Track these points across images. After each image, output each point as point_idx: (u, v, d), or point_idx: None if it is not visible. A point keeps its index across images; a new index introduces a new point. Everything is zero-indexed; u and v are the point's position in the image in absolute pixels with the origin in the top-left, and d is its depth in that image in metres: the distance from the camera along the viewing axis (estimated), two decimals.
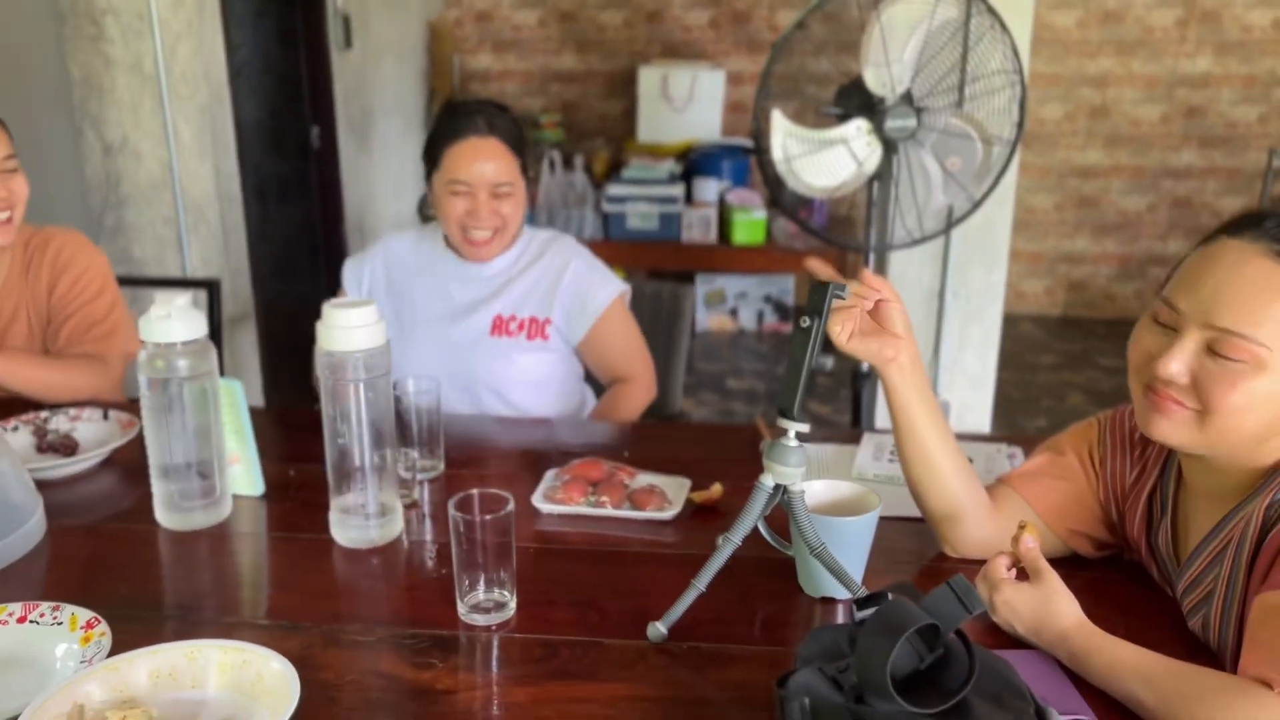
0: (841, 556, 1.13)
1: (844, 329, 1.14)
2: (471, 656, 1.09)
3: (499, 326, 1.88)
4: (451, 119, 1.83)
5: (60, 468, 1.48)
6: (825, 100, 2.38)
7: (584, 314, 1.89)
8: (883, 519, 1.19)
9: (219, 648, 0.97)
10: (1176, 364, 1.01)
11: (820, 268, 1.13)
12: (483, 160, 1.79)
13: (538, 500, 1.39)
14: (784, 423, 1.10)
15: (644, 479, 1.44)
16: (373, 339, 1.26)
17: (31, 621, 1.07)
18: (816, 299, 1.09)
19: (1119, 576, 1.23)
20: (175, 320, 1.28)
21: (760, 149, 2.37)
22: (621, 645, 1.10)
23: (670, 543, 1.32)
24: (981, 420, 3.28)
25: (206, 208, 3.49)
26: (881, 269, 3.15)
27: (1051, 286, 5.68)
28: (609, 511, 1.36)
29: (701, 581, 1.11)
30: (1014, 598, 1.07)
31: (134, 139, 3.39)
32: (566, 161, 5.21)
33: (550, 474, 1.45)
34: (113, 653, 1.01)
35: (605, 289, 1.91)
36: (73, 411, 1.62)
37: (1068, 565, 1.23)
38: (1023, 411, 4.33)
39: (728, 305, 5.34)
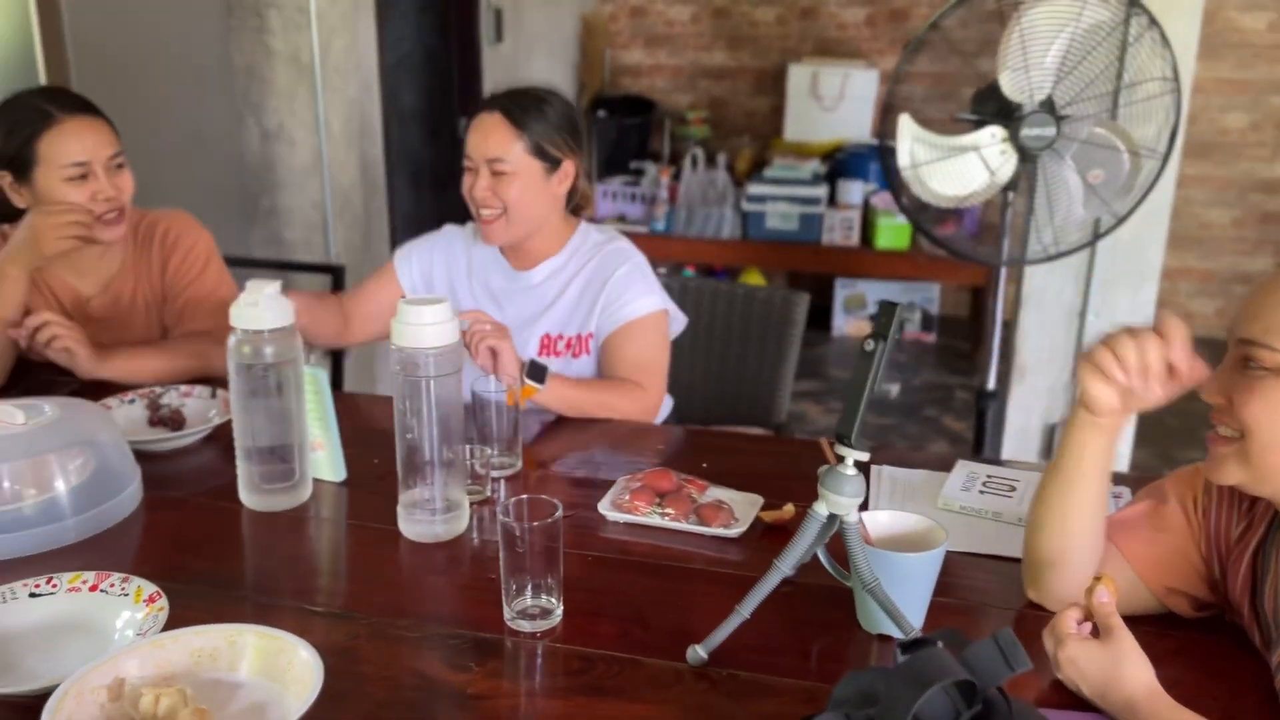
0: (900, 593, 1.07)
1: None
2: (508, 663, 1.09)
3: (546, 346, 1.84)
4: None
5: (164, 442, 1.56)
6: (959, 105, 2.27)
7: (613, 316, 1.81)
8: (969, 556, 1.12)
9: (256, 633, 0.99)
10: (1214, 383, 1.00)
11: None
12: (482, 134, 1.76)
13: (604, 507, 1.37)
14: (842, 450, 1.05)
15: (714, 493, 1.40)
16: (445, 336, 1.27)
17: (102, 590, 1.12)
18: (884, 321, 1.04)
19: (1216, 640, 1.12)
20: (263, 308, 1.33)
21: (885, 153, 2.28)
22: (659, 665, 1.07)
23: (732, 562, 1.29)
24: (1121, 449, 3.08)
25: (352, 194, 3.63)
26: (1017, 284, 3.00)
27: (1224, 307, 5.29)
28: (674, 524, 1.34)
29: (745, 608, 1.07)
30: (1080, 655, 0.99)
31: (289, 126, 3.55)
32: (710, 159, 5.18)
33: (622, 481, 1.44)
34: (168, 627, 1.05)
35: (645, 300, 1.82)
36: (184, 388, 1.70)
37: (1160, 624, 1.13)
38: (1178, 442, 4.04)
39: (868, 311, 5.20)
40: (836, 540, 1.08)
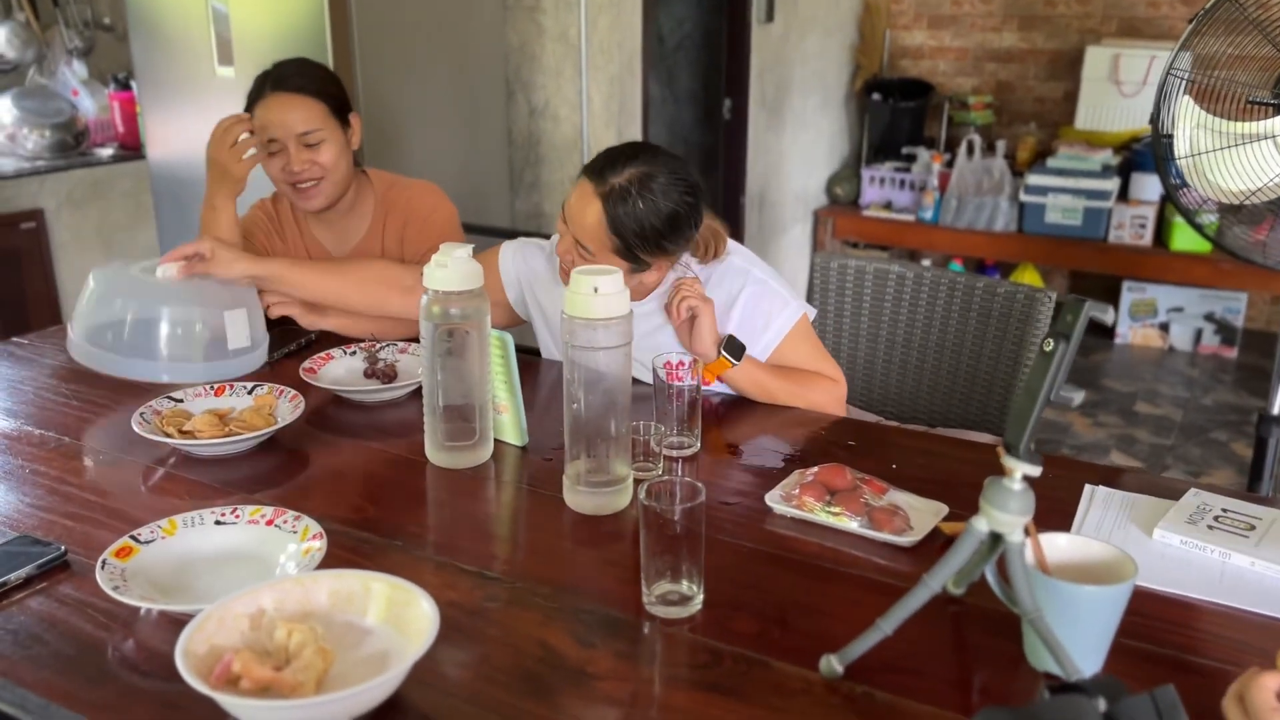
0: (1070, 629, 0.94)
1: None
2: (634, 645, 1.05)
3: (670, 374, 1.55)
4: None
5: (372, 393, 1.64)
6: (1254, 87, 1.98)
7: (761, 345, 1.68)
8: (1181, 598, 0.97)
9: (388, 582, 1.02)
10: None
11: None
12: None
13: (771, 499, 1.31)
14: (1009, 462, 0.93)
15: (894, 497, 1.30)
16: (615, 308, 1.24)
17: (276, 525, 1.20)
18: (1069, 319, 0.91)
19: None
20: (452, 270, 1.36)
21: (1159, 139, 2.03)
22: (789, 671, 1.00)
23: (902, 573, 1.18)
24: None
25: None
26: None
27: None
28: (842, 524, 1.25)
29: (888, 624, 0.98)
30: None
31: (554, 103, 3.68)
32: (989, 146, 4.88)
33: (796, 473, 1.36)
34: (322, 567, 1.10)
35: (782, 316, 1.68)
36: (402, 344, 1.79)
37: None
38: None
39: (1158, 319, 4.71)
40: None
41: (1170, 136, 2.01)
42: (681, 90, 4.37)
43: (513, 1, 3.58)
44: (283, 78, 1.92)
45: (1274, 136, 1.92)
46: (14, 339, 1.97)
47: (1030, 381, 0.92)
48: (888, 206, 5.02)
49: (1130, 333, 4.77)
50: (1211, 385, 4.31)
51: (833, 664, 0.99)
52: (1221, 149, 1.96)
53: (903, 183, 4.99)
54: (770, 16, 4.37)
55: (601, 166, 1.56)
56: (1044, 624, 0.93)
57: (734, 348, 1.60)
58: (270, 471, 1.45)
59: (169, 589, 1.11)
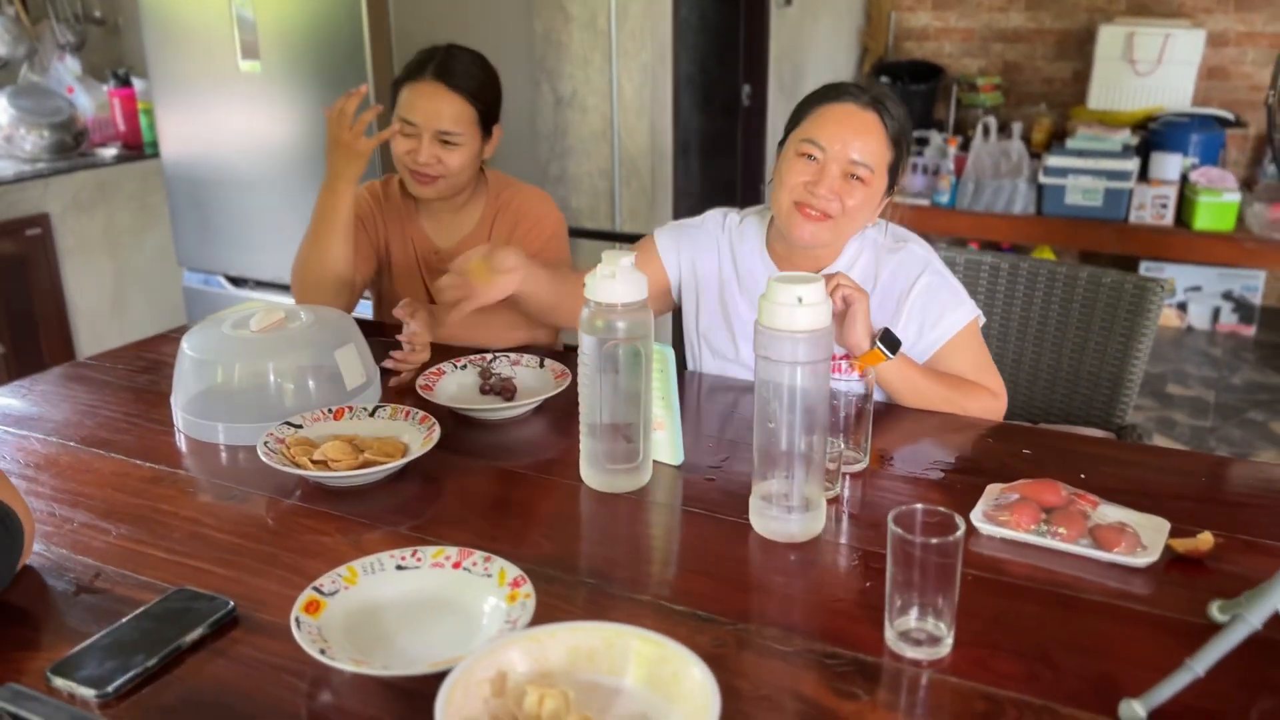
0: None
1: None
2: (898, 693, 0.96)
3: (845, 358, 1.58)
4: (832, 91, 1.59)
5: (498, 411, 1.53)
6: None
7: (929, 339, 1.61)
8: None
9: (639, 637, 0.91)
10: None
11: None
12: (854, 130, 1.55)
13: (977, 519, 1.22)
14: None
15: (1109, 512, 1.22)
16: (817, 320, 1.15)
17: (465, 569, 1.09)
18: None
19: None
20: (619, 281, 1.26)
21: (1275, 124, 1.97)
22: (1083, 718, 0.92)
23: (1141, 597, 1.10)
24: None
25: (640, 162, 3.59)
26: None
27: None
28: (1065, 546, 1.16)
29: (1200, 665, 0.89)
30: None
31: (582, 93, 3.56)
32: (1002, 128, 4.83)
33: (994, 489, 1.28)
34: (537, 617, 1.00)
35: (956, 313, 1.61)
36: (514, 356, 1.68)
37: None
38: None
39: (1176, 298, 4.70)
40: None
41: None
42: (702, 76, 4.27)
43: None
44: (449, 69, 1.83)
45: None
46: (85, 359, 1.82)
47: None
48: (901, 190, 4.95)
49: None
50: (1236, 364, 4.30)
51: (1135, 709, 0.90)
52: None
53: (915, 166, 4.93)
54: (789, 0, 4.28)
55: (838, 93, 1.57)
56: None
57: (890, 341, 1.51)
58: (409, 500, 1.34)
59: (366, 646, 1.00)
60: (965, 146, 4.78)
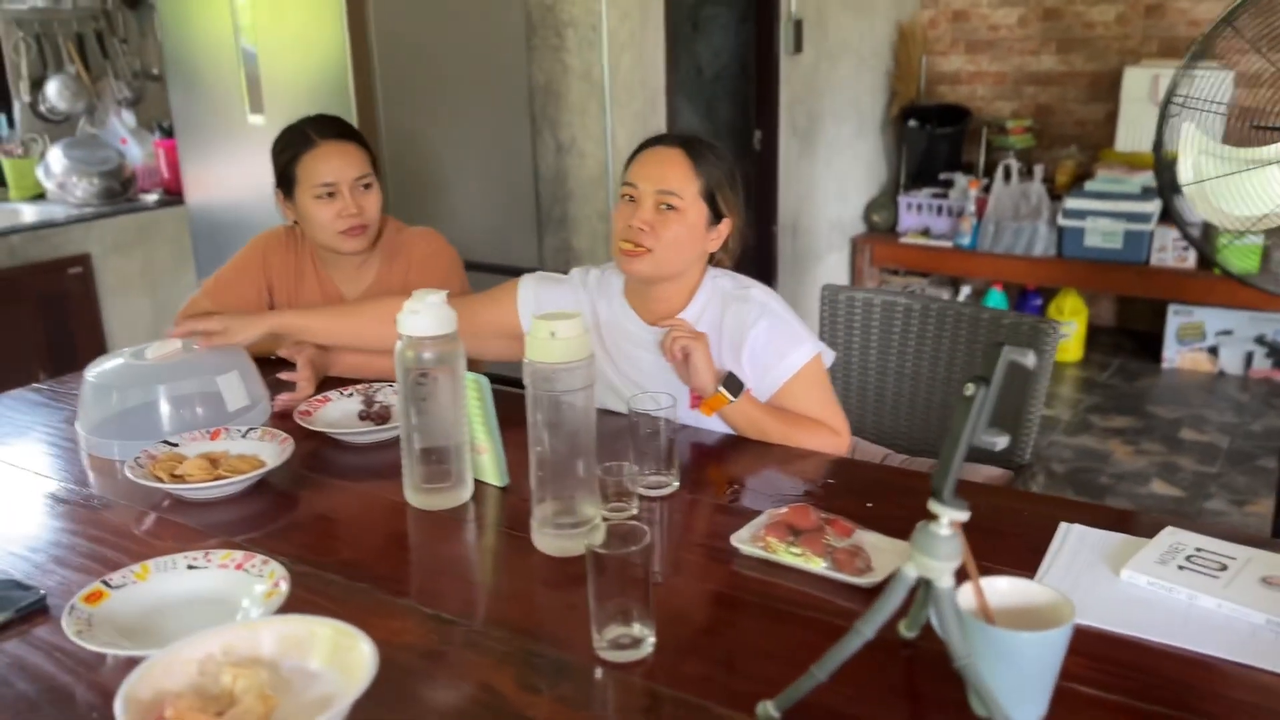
0: (1008, 675, 0.93)
1: None
2: (581, 692, 1.06)
3: (695, 400, 1.70)
4: (647, 141, 1.72)
5: (363, 434, 1.68)
6: (1256, 112, 1.94)
7: (770, 378, 1.68)
8: (1140, 642, 0.95)
9: (333, 627, 1.04)
10: None
11: None
12: (659, 165, 1.67)
13: (738, 539, 1.31)
14: (935, 506, 0.92)
15: (863, 537, 1.29)
16: (576, 352, 1.26)
17: (245, 570, 1.23)
18: (988, 364, 0.90)
19: None
20: (425, 316, 1.39)
21: (1162, 167, 2.00)
22: (729, 717, 1.00)
23: (854, 613, 1.16)
24: None
25: None
26: None
27: None
28: (804, 566, 1.24)
29: (821, 670, 0.97)
30: None
31: (580, 140, 3.72)
32: (1027, 170, 4.82)
33: (767, 513, 1.36)
34: (284, 610, 1.13)
35: (796, 353, 1.68)
36: (396, 386, 1.82)
37: None
38: None
39: (1206, 342, 4.59)
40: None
41: (1172, 164, 1.98)
42: (719, 121, 4.40)
43: (537, 41, 3.64)
44: (328, 127, 2.01)
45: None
46: (33, 385, 2.05)
47: (954, 426, 0.91)
48: (925, 233, 4.98)
49: (1178, 357, 4.66)
50: (1262, 411, 4.18)
51: (769, 710, 0.98)
52: (1227, 175, 1.92)
53: (940, 209, 4.95)
54: (799, 47, 4.38)
55: (665, 135, 1.74)
56: (974, 671, 0.91)
57: (732, 384, 1.61)
58: (257, 515, 1.49)
59: (136, 634, 1.14)
60: (989, 189, 4.78)
